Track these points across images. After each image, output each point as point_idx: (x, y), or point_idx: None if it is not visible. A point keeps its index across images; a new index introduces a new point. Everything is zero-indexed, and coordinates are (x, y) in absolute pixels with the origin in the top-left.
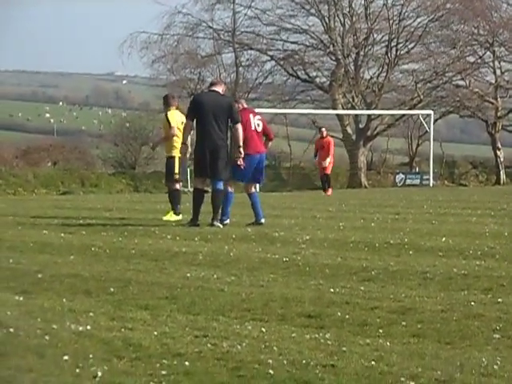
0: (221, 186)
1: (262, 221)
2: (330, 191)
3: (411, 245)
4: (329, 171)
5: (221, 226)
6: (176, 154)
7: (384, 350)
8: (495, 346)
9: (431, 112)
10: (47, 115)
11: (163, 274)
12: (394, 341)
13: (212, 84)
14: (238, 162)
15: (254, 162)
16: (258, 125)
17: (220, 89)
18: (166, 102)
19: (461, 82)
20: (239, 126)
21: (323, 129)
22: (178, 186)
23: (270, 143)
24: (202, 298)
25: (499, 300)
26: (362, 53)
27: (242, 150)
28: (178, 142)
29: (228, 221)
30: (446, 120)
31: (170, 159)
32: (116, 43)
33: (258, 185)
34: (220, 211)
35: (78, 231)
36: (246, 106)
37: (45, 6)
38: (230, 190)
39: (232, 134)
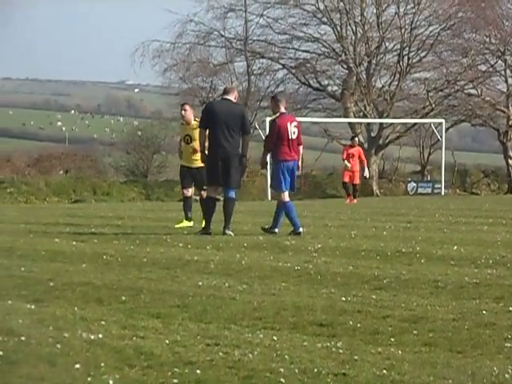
0: (233, 194)
1: (300, 230)
2: (354, 200)
3: (423, 253)
4: (357, 181)
5: (232, 235)
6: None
7: (395, 358)
8: (507, 354)
9: (443, 120)
10: (59, 123)
11: (175, 282)
12: (406, 349)
13: (225, 92)
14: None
15: (290, 169)
16: (294, 132)
17: (233, 96)
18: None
19: (472, 91)
20: (248, 137)
21: (356, 138)
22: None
23: (301, 149)
24: (214, 307)
25: (511, 309)
26: (373, 61)
27: (245, 160)
28: (182, 150)
29: (301, 229)
30: (457, 128)
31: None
32: (128, 52)
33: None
34: (228, 220)
35: (90, 239)
36: (283, 109)
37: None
38: (286, 199)
39: (242, 142)
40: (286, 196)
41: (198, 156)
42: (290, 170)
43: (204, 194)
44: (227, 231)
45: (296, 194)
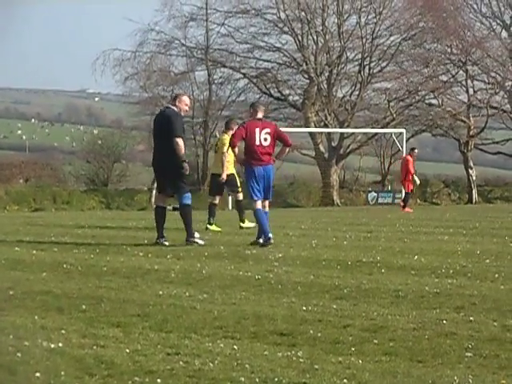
0: (186, 200)
1: (270, 235)
2: (406, 209)
3: (383, 263)
4: (407, 189)
5: (200, 242)
6: (233, 170)
7: (356, 368)
8: (467, 364)
9: (404, 130)
10: (19, 132)
11: (135, 291)
12: (366, 359)
13: (172, 99)
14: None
15: (261, 177)
16: (265, 139)
17: (175, 103)
18: (228, 126)
19: (433, 101)
20: (177, 141)
21: (416, 149)
22: (241, 196)
23: (287, 149)
24: (174, 316)
25: (471, 318)
26: (334, 71)
27: (185, 165)
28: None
29: (271, 235)
30: (418, 139)
31: (231, 175)
32: (89, 60)
33: (267, 202)
34: (189, 227)
35: (50, 248)
36: (260, 115)
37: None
38: (258, 207)
39: (174, 146)
40: (257, 204)
41: (228, 163)
42: (262, 177)
43: (240, 195)
44: (190, 239)
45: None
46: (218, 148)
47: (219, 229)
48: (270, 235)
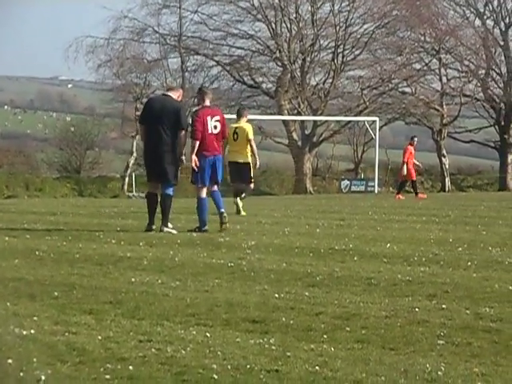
0: (169, 191)
1: (222, 210)
2: (420, 195)
3: (356, 251)
4: (409, 177)
5: (173, 232)
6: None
7: (328, 355)
8: (439, 352)
9: (377, 119)
10: None
11: (108, 278)
12: (339, 346)
13: (168, 89)
14: (193, 165)
15: (209, 164)
16: (215, 127)
17: (175, 94)
18: (241, 114)
19: (407, 89)
20: (183, 133)
21: (415, 138)
22: (252, 185)
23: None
24: (147, 303)
25: (443, 306)
26: (308, 59)
27: (183, 158)
28: (230, 147)
29: (206, 227)
30: (391, 127)
31: (248, 164)
32: (62, 47)
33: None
34: (165, 217)
35: (23, 235)
36: (208, 103)
37: None
38: (202, 196)
39: (178, 139)
40: (203, 192)
41: (244, 152)
42: (211, 164)
43: (252, 185)
44: (164, 228)
45: (230, 191)
46: (238, 137)
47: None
48: (206, 228)
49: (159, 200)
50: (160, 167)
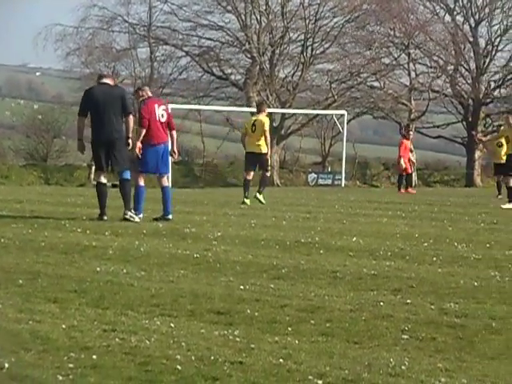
0: (127, 175)
1: (170, 217)
2: (404, 190)
3: (322, 244)
4: (406, 171)
5: (136, 219)
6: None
7: (292, 347)
8: (403, 346)
9: (345, 112)
10: None
11: (72, 267)
12: (303, 339)
13: (100, 77)
14: (137, 152)
15: (159, 153)
16: (163, 115)
17: (110, 81)
18: (261, 109)
19: (375, 84)
20: (131, 117)
21: (411, 131)
22: (269, 173)
23: (175, 133)
24: (111, 293)
25: (408, 301)
26: (277, 51)
27: (130, 141)
28: (249, 138)
29: (141, 215)
30: (359, 121)
31: (265, 154)
32: (30, 35)
33: (166, 177)
34: (127, 202)
35: None
36: (150, 94)
37: None
38: (140, 183)
39: (125, 123)
40: (141, 180)
41: (261, 142)
42: (161, 153)
43: (268, 173)
44: (128, 213)
45: (197, 182)
46: (256, 128)
47: (248, 203)
48: (141, 216)
49: (119, 186)
50: (112, 155)
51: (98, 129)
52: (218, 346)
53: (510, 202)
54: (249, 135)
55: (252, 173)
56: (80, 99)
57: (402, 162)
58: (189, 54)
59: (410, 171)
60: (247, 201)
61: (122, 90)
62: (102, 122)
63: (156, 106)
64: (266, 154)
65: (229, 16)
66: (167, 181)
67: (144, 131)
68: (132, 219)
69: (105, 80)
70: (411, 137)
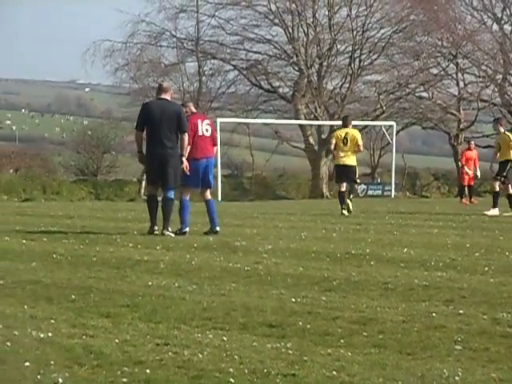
0: (171, 194)
1: (217, 229)
2: (471, 200)
3: (373, 255)
4: (472, 182)
5: (172, 236)
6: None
7: (345, 360)
8: (456, 357)
9: (394, 123)
10: (8, 122)
11: (125, 281)
12: (356, 351)
13: (160, 90)
14: (185, 169)
15: (202, 167)
16: (207, 130)
17: (168, 95)
18: (342, 123)
19: (424, 94)
20: (186, 136)
21: (472, 141)
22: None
23: (215, 149)
24: (164, 307)
25: (460, 311)
26: (325, 63)
27: (184, 159)
28: (340, 152)
29: (187, 229)
30: (408, 131)
31: (355, 167)
32: (79, 51)
33: (208, 191)
34: (167, 220)
35: (40, 238)
36: (194, 110)
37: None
38: (184, 197)
39: (180, 142)
40: (187, 194)
41: (352, 155)
42: (203, 167)
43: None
44: (166, 232)
45: (246, 195)
46: (348, 142)
47: (346, 214)
48: (187, 229)
49: (161, 203)
50: (162, 171)
51: (152, 144)
52: (271, 359)
53: (494, 207)
54: (340, 148)
55: (345, 184)
56: (129, 114)
57: (465, 169)
58: (237, 68)
59: (464, 183)
60: (345, 212)
61: (179, 108)
62: (156, 138)
63: (199, 121)
64: (356, 166)
65: (276, 29)
66: (210, 194)
67: (188, 148)
68: (169, 237)
69: (163, 95)
70: (472, 148)
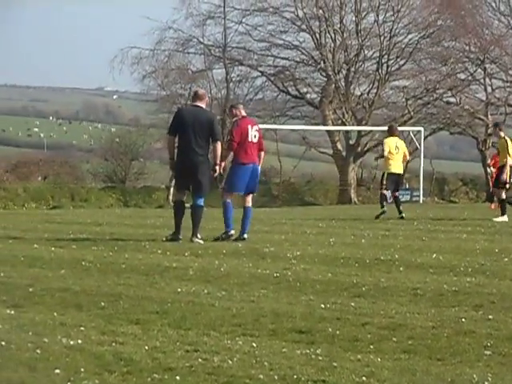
0: (201, 202)
1: (245, 236)
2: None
3: (402, 261)
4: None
5: (201, 242)
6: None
7: (375, 365)
8: (486, 362)
9: (421, 129)
10: (35, 129)
11: (154, 288)
12: (385, 357)
13: (195, 97)
14: (215, 175)
15: (248, 173)
16: (255, 136)
17: (203, 103)
18: (390, 131)
19: (451, 99)
20: (218, 144)
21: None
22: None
23: (263, 154)
24: (193, 313)
25: (490, 317)
26: (352, 69)
27: (217, 168)
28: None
29: (233, 231)
30: (436, 137)
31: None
32: (107, 58)
33: (250, 197)
34: (196, 227)
35: (69, 245)
36: (244, 113)
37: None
38: (227, 200)
39: (212, 150)
40: (229, 197)
41: (402, 164)
42: (249, 172)
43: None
44: (195, 239)
45: (274, 201)
46: (399, 150)
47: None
48: (232, 232)
49: (191, 211)
50: (193, 179)
51: (183, 151)
52: (301, 365)
53: (502, 214)
54: (391, 157)
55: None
56: (157, 121)
57: (490, 170)
58: (264, 74)
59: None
60: (384, 209)
61: (212, 116)
62: (187, 145)
63: (249, 126)
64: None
65: (303, 35)
66: (251, 201)
67: (231, 154)
68: (198, 244)
69: (198, 103)
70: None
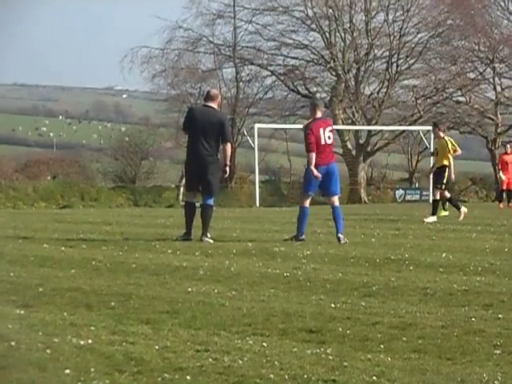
0: (210, 201)
1: (340, 236)
2: (508, 205)
3: (412, 260)
4: (502, 186)
5: (211, 242)
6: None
7: (385, 365)
8: (496, 361)
9: (431, 128)
10: (43, 129)
11: (164, 288)
12: (395, 356)
13: (207, 98)
14: (225, 176)
15: (322, 174)
16: (329, 137)
17: (215, 103)
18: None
19: (461, 98)
20: (228, 145)
21: (508, 145)
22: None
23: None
24: (203, 313)
25: (500, 316)
26: (362, 68)
27: (227, 169)
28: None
29: (303, 236)
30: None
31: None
32: (117, 58)
33: (336, 198)
34: (206, 227)
35: (79, 245)
36: (319, 115)
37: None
38: (304, 204)
39: (222, 151)
40: (306, 202)
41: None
42: (323, 174)
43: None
44: (205, 238)
45: (284, 201)
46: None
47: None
48: (303, 237)
49: (201, 211)
50: (202, 178)
51: (192, 150)
52: (311, 365)
53: (433, 214)
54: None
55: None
56: (167, 120)
57: (500, 175)
58: (274, 74)
59: (503, 187)
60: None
61: (223, 116)
62: (197, 144)
63: (321, 129)
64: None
65: (313, 34)
66: (337, 201)
67: (313, 155)
68: (208, 243)
69: (210, 103)
70: (509, 151)
